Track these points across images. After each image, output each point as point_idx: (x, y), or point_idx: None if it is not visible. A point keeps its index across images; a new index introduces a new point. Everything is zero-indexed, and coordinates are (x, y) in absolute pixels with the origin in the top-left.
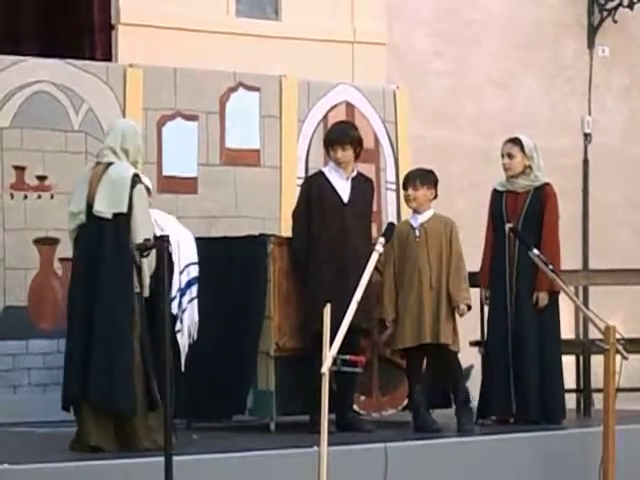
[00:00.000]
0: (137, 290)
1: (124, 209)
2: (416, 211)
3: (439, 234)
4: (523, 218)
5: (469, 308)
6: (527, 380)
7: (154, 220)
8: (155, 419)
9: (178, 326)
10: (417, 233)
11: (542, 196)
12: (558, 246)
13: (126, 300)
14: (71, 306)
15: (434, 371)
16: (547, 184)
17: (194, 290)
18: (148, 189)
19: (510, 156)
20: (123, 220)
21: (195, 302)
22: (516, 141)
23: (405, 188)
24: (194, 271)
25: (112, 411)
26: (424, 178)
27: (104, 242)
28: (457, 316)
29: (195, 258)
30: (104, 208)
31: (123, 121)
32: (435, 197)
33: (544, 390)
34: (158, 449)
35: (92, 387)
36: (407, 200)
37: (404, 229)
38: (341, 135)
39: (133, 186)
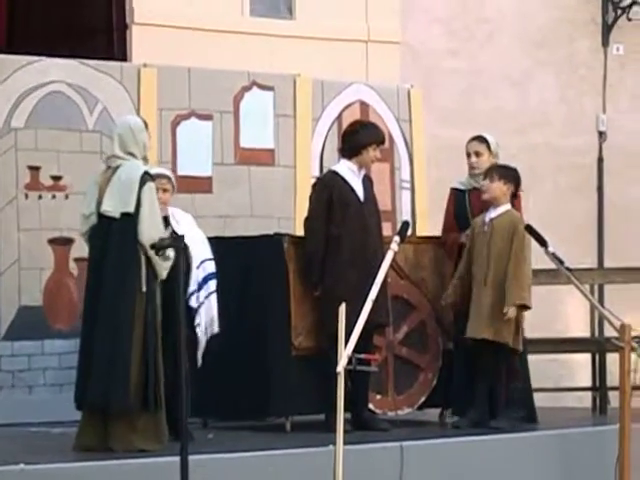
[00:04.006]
0: (144, 289)
1: (131, 209)
2: (491, 204)
3: (504, 231)
4: None
5: (525, 308)
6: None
7: (171, 215)
8: (146, 421)
9: (197, 320)
10: (485, 228)
11: None
12: None
13: (128, 299)
14: (84, 306)
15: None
16: None
17: (212, 285)
18: (171, 182)
19: (478, 154)
20: (130, 219)
21: (213, 296)
22: (482, 139)
23: (483, 179)
24: (210, 267)
25: (101, 410)
26: (502, 172)
27: (110, 241)
28: (524, 313)
29: (210, 254)
30: (112, 207)
31: (119, 125)
32: (514, 195)
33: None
34: (134, 451)
35: (89, 385)
36: (482, 191)
37: (479, 222)
38: (383, 135)
39: (142, 185)
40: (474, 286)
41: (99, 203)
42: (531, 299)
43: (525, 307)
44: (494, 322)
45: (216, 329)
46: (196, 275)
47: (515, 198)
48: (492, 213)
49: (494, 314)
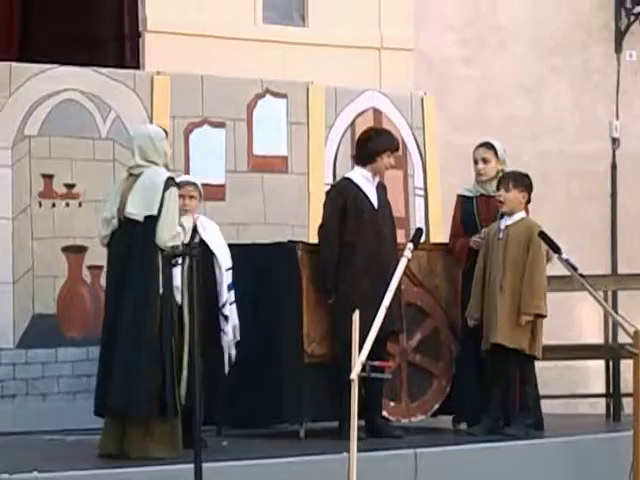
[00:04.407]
0: (161, 292)
1: (155, 212)
2: (507, 213)
3: (519, 239)
4: None
5: (541, 316)
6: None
7: (199, 223)
8: (162, 428)
9: (225, 328)
10: (500, 235)
11: None
12: None
13: (149, 303)
14: (104, 310)
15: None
16: None
17: (232, 294)
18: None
19: (485, 161)
20: (153, 223)
21: (234, 306)
22: (489, 146)
23: (497, 189)
24: (231, 276)
25: (118, 415)
26: (517, 181)
27: (134, 244)
28: (541, 321)
29: (230, 263)
30: (136, 210)
31: (139, 135)
32: (528, 202)
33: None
34: (149, 459)
35: (109, 392)
36: (498, 202)
37: (493, 230)
38: (397, 142)
39: (166, 189)
40: (489, 293)
41: (120, 208)
42: (547, 307)
43: (541, 315)
44: (511, 329)
45: (237, 337)
46: (226, 283)
47: (528, 202)
48: (507, 220)
49: (511, 321)
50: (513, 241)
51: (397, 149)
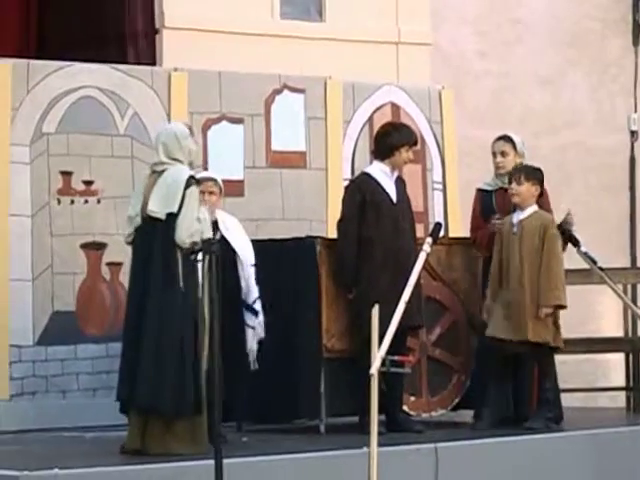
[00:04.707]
0: (182, 289)
1: (175, 209)
2: (519, 207)
3: (534, 232)
4: None
5: (561, 307)
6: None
7: (221, 220)
8: (185, 425)
9: (254, 322)
10: (515, 230)
11: None
12: None
13: (170, 300)
14: (126, 307)
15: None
16: None
17: (256, 290)
18: (218, 184)
19: (504, 154)
20: (174, 220)
21: (259, 302)
22: (508, 139)
23: (509, 182)
24: (254, 272)
25: (142, 411)
26: (529, 174)
27: (155, 242)
28: (560, 312)
29: (254, 260)
30: (157, 208)
31: (164, 132)
32: (541, 195)
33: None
34: (170, 455)
35: (135, 386)
36: (511, 195)
37: (507, 225)
38: (416, 136)
39: (187, 187)
40: (508, 288)
41: (143, 206)
42: (566, 298)
43: (561, 307)
44: (533, 323)
45: (262, 334)
46: (253, 279)
47: (541, 197)
48: (520, 215)
49: (532, 315)
50: (528, 235)
51: (415, 143)
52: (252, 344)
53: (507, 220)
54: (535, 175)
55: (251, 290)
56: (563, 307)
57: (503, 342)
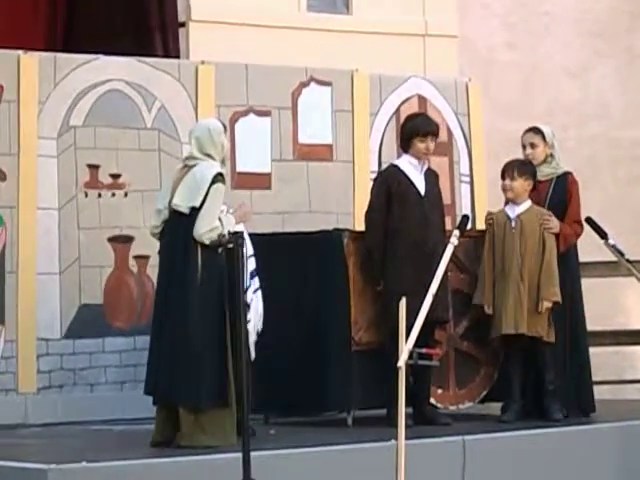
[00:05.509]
0: (203, 283)
1: (197, 204)
2: (513, 201)
3: (535, 226)
4: (547, 206)
5: (556, 304)
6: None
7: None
8: (213, 418)
9: (248, 316)
10: (513, 224)
11: (565, 184)
12: (580, 232)
13: (191, 294)
14: (154, 301)
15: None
16: (569, 172)
17: (256, 281)
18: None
19: (533, 146)
20: (196, 215)
21: (259, 293)
22: (537, 130)
23: (503, 178)
24: (253, 263)
25: (167, 404)
26: (522, 168)
27: (178, 235)
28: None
29: (252, 250)
30: (181, 202)
31: (198, 127)
32: (534, 189)
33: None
34: (198, 448)
35: (161, 380)
36: (504, 190)
37: (501, 219)
38: (433, 125)
39: (213, 183)
40: (505, 282)
41: (171, 200)
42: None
43: (557, 303)
44: (531, 317)
45: (260, 326)
46: (248, 271)
47: (533, 191)
48: (516, 209)
49: (530, 309)
50: (527, 229)
51: (428, 133)
52: (251, 335)
53: (500, 215)
54: (527, 170)
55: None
56: (557, 304)
57: (507, 336)
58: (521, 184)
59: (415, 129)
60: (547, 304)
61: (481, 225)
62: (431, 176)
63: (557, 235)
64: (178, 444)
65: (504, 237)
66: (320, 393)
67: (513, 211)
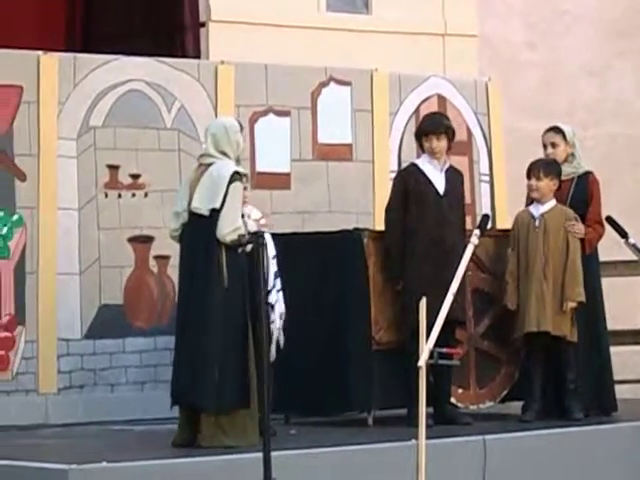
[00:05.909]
0: (226, 285)
1: (218, 205)
2: (538, 201)
3: (559, 226)
4: (569, 205)
5: (581, 304)
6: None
7: (247, 215)
8: (234, 418)
9: (272, 317)
10: (537, 223)
11: (586, 184)
12: (602, 233)
13: (214, 296)
14: (178, 304)
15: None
16: (590, 172)
17: (278, 282)
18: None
19: (554, 145)
20: (217, 216)
21: (281, 294)
22: (558, 130)
23: (528, 177)
24: (275, 264)
25: (186, 405)
26: (547, 168)
27: (200, 237)
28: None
29: (274, 251)
30: (201, 205)
31: (214, 124)
32: (559, 188)
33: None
34: (219, 448)
35: (184, 382)
36: (530, 190)
37: (525, 218)
38: (436, 124)
39: (231, 182)
40: (529, 281)
41: (190, 201)
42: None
43: (581, 303)
44: (555, 316)
45: (278, 325)
46: (272, 271)
47: (559, 189)
48: (541, 208)
49: (554, 308)
50: (551, 228)
51: (430, 133)
52: (274, 336)
53: (524, 214)
54: (553, 169)
55: (268, 282)
56: (582, 304)
57: (529, 335)
58: (547, 184)
59: (419, 130)
60: (572, 304)
61: (501, 224)
62: (453, 175)
63: (582, 239)
64: (200, 445)
65: (527, 236)
66: (340, 393)
67: (537, 210)
